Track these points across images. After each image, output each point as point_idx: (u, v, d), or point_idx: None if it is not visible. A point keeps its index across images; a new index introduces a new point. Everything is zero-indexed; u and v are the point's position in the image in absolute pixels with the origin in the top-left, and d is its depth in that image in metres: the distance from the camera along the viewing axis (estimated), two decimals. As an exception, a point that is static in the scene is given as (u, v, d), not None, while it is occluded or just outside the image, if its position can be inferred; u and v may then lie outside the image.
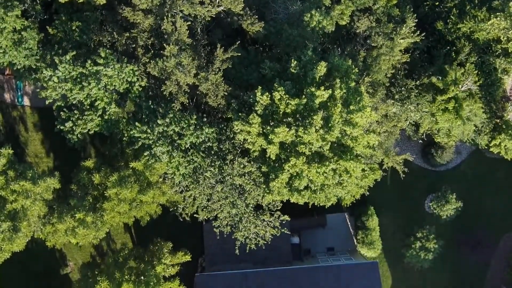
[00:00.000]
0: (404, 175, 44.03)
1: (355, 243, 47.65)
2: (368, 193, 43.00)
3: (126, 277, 38.07)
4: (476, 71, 45.42)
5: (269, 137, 36.27)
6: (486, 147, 47.78)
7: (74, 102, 38.59)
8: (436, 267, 47.55)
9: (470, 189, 49.02)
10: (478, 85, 45.43)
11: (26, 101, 48.85)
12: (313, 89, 35.96)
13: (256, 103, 36.61)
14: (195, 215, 40.37)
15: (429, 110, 43.49)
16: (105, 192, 37.60)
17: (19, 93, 48.74)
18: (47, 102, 38.92)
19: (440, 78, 43.49)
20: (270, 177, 37.74)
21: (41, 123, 48.58)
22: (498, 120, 48.78)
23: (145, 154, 37.49)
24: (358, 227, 46.61)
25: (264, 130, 36.59)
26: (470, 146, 50.05)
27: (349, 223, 48.43)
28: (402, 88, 42.84)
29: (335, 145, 38.07)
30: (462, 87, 43.69)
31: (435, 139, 46.13)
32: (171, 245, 40.75)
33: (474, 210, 48.57)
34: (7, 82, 48.85)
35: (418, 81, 43.46)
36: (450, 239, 47.88)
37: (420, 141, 47.36)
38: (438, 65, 44.46)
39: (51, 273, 47.59)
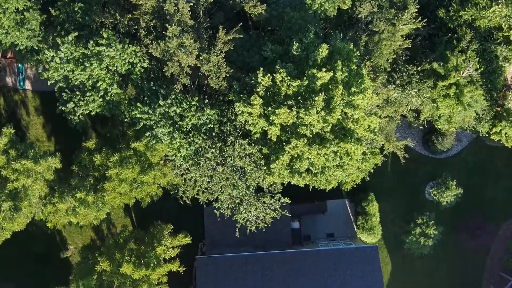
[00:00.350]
0: (404, 161, 44.10)
1: (355, 229, 47.74)
2: (368, 178, 43.06)
3: (126, 258, 38.20)
4: (477, 59, 45.54)
5: (270, 118, 36.34)
6: (486, 135, 47.86)
7: (76, 83, 38.63)
8: (435, 254, 47.65)
9: (470, 176, 49.20)
10: (479, 72, 45.54)
11: (28, 85, 48.94)
12: (314, 71, 36.03)
13: (257, 85, 36.67)
14: (197, 195, 40.35)
15: (430, 96, 43.55)
16: (106, 173, 37.69)
17: (20, 77, 48.84)
18: (49, 83, 38.92)
19: (442, 64, 43.59)
20: (271, 158, 37.82)
21: (42, 107, 48.69)
22: (499, 109, 48.91)
23: (147, 135, 37.55)
24: (358, 213, 46.72)
25: (266, 112, 36.69)
26: (471, 134, 50.18)
27: (349, 210, 48.54)
28: (403, 74, 42.92)
29: (336, 128, 38.15)
30: (463, 73, 43.76)
31: (436, 126, 46.20)
32: (171, 227, 40.81)
33: (474, 197, 48.74)
34: (9, 66, 48.92)
35: (420, 67, 43.55)
36: (450, 226, 48.01)
37: (421, 127, 47.41)
38: (440, 51, 44.54)
39: (51, 257, 47.68)
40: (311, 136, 36.87)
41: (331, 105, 35.87)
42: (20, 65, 48.27)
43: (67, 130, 40.93)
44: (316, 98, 35.37)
